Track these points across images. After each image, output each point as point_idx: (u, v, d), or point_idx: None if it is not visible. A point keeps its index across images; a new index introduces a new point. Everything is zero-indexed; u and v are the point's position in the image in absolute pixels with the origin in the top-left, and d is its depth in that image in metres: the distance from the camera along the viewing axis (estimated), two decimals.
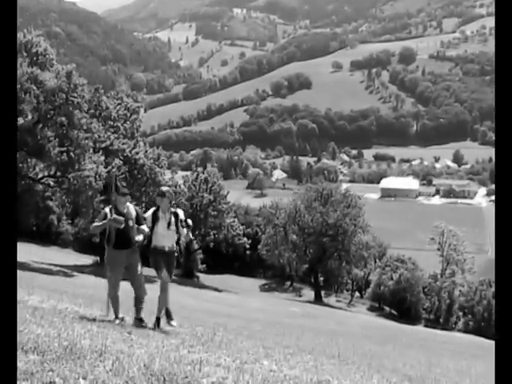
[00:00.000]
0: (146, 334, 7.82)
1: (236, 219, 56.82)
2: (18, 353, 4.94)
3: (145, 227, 9.05)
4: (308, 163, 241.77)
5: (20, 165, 29.44)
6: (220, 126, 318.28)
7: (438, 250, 64.85)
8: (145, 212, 9.43)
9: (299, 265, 61.56)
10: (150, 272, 9.49)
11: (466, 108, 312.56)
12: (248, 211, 72.12)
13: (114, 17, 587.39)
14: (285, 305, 40.66)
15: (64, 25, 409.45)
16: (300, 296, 58.15)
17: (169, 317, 9.28)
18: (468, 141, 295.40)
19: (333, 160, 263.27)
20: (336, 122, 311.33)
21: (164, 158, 46.11)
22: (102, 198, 36.84)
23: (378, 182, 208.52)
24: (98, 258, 43.63)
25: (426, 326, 53.49)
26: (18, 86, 26.75)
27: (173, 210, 9.28)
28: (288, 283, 64.51)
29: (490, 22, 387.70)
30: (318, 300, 55.07)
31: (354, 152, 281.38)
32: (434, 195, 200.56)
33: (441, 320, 59.03)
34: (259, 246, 60.26)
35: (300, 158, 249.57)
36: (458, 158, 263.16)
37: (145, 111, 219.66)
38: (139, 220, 9.07)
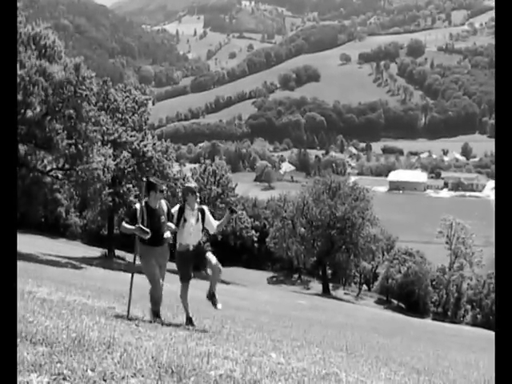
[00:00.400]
0: (153, 326, 7.84)
1: (244, 212, 56.86)
2: (26, 344, 4.96)
3: (171, 224, 8.88)
4: (316, 156, 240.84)
5: (28, 157, 29.54)
6: (228, 118, 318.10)
7: (447, 243, 64.69)
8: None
9: (307, 257, 61.65)
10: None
11: (475, 101, 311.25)
12: (256, 204, 72.21)
13: (122, 9, 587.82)
14: (293, 297, 40.66)
15: (72, 17, 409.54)
16: (308, 289, 58.21)
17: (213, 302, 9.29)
18: (476, 134, 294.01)
19: (341, 153, 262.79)
20: (344, 114, 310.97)
21: (172, 150, 46.02)
22: (110, 190, 36.96)
23: (386, 175, 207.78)
24: (106, 251, 43.84)
25: (434, 319, 53.44)
26: (27, 79, 26.81)
27: (198, 206, 9.09)
28: (296, 276, 64.61)
29: None
30: (325, 293, 55.13)
31: (363, 145, 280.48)
32: (442, 188, 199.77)
33: (449, 313, 59.03)
34: (267, 239, 60.42)
35: (308, 150, 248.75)
36: (466, 151, 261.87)
37: (153, 104, 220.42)
38: (168, 216, 8.95)
